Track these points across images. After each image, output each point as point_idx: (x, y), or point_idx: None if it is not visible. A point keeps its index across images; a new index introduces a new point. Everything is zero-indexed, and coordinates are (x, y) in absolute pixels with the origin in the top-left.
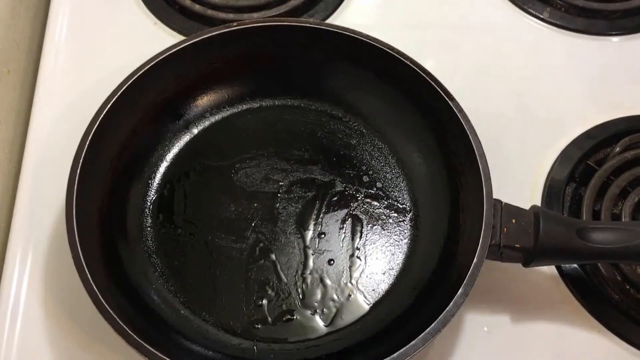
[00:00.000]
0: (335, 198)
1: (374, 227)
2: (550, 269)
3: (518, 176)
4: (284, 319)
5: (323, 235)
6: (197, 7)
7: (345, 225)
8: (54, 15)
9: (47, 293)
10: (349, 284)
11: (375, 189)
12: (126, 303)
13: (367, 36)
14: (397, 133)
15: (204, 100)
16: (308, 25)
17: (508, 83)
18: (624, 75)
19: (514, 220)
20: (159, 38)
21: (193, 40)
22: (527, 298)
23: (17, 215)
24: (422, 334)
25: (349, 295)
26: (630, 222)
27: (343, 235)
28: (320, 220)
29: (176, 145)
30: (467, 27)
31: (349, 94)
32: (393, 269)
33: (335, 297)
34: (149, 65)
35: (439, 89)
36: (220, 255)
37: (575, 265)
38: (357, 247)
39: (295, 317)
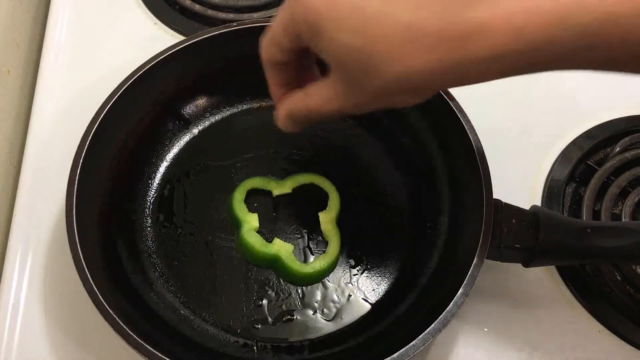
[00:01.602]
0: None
1: (374, 227)
2: (550, 269)
3: (518, 176)
4: (284, 319)
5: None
6: (197, 7)
7: (345, 225)
8: (54, 15)
9: (47, 293)
10: (349, 284)
11: (375, 188)
12: (126, 303)
13: None
14: (397, 133)
15: (204, 100)
16: None
17: (508, 83)
18: (624, 75)
19: (514, 220)
20: (159, 38)
21: (193, 40)
22: (527, 298)
23: (17, 216)
24: (422, 334)
25: (349, 296)
26: (630, 222)
27: (343, 235)
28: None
29: (176, 145)
30: None
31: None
32: (393, 269)
33: (335, 297)
34: (149, 65)
35: None
36: (220, 255)
37: (576, 265)
38: (357, 247)
39: (295, 317)
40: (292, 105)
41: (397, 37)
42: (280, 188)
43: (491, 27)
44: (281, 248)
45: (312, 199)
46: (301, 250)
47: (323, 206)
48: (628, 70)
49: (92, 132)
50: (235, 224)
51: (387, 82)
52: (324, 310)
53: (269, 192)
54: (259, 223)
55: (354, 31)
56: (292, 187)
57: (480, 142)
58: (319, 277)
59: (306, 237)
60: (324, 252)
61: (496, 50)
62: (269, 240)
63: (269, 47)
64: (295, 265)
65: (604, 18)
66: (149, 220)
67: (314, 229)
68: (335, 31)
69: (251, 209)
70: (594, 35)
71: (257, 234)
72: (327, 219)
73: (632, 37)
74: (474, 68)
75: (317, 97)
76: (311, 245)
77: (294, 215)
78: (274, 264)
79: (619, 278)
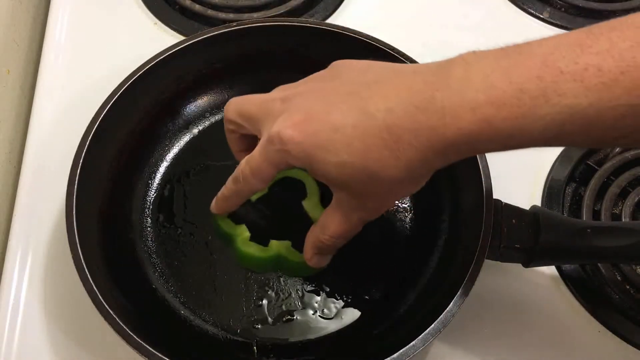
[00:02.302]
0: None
1: (374, 227)
2: (550, 269)
3: (518, 176)
4: (284, 319)
5: None
6: (197, 7)
7: None
8: (54, 15)
9: (47, 293)
10: (349, 284)
11: None
12: (126, 303)
13: (367, 36)
14: None
15: (204, 100)
16: (308, 25)
17: None
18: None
19: (514, 220)
20: (159, 38)
21: (193, 40)
22: (527, 298)
23: (17, 216)
24: (422, 334)
25: (349, 296)
26: (630, 222)
27: None
28: None
29: (176, 145)
30: (467, 27)
31: None
32: (393, 269)
33: (335, 297)
34: (149, 65)
35: None
36: (220, 255)
37: (576, 265)
38: (357, 246)
39: (295, 317)
40: (314, 242)
41: (382, 142)
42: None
43: (460, 116)
44: (280, 247)
45: (291, 192)
46: (298, 243)
47: (303, 195)
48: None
49: (92, 132)
50: (227, 242)
51: (389, 183)
52: (324, 310)
53: (248, 200)
54: (250, 232)
55: (341, 150)
56: (266, 186)
57: None
58: None
59: (298, 228)
60: None
61: (470, 136)
62: (265, 244)
63: (252, 181)
64: (299, 257)
65: (566, 112)
66: (149, 220)
67: (303, 219)
68: (325, 156)
69: (237, 222)
70: (558, 126)
71: (252, 242)
72: (311, 205)
73: (595, 127)
74: (456, 150)
75: (334, 223)
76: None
77: (280, 213)
78: (279, 264)
79: (619, 278)
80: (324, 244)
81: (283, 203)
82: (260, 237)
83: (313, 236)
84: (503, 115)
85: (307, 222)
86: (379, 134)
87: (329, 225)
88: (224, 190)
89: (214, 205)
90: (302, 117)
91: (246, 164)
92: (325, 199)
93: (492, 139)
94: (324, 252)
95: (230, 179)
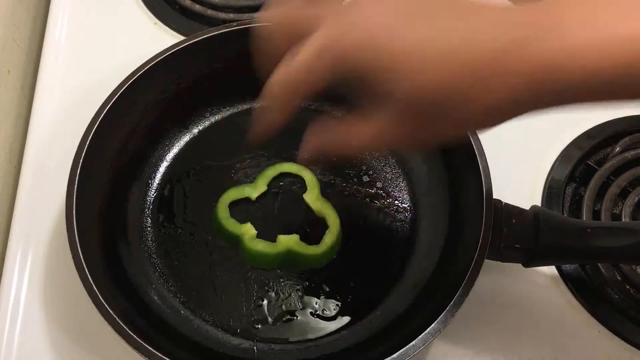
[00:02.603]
0: (336, 198)
1: (374, 227)
2: (550, 269)
3: (518, 176)
4: (284, 319)
5: None
6: (197, 7)
7: (345, 225)
8: (54, 15)
9: (47, 293)
10: (349, 284)
11: (375, 188)
12: (126, 303)
13: None
14: None
15: (204, 100)
16: None
17: None
18: None
19: (514, 220)
20: (159, 38)
21: (193, 40)
22: (527, 298)
23: (17, 215)
24: (422, 334)
25: (349, 295)
26: (630, 222)
27: (343, 237)
28: None
29: (176, 145)
30: None
31: (349, 94)
32: (393, 269)
33: (335, 297)
34: (149, 66)
35: None
36: (220, 255)
37: (576, 265)
38: (357, 247)
39: (295, 317)
40: (329, 142)
41: (479, 73)
42: (256, 190)
43: (563, 63)
44: (288, 241)
45: (290, 187)
46: (305, 236)
47: (302, 188)
48: None
49: (92, 132)
50: (232, 242)
51: (475, 114)
52: (324, 310)
53: (248, 199)
54: (260, 222)
55: (432, 69)
56: (265, 184)
57: (480, 141)
58: (334, 250)
59: (303, 221)
60: (326, 227)
61: (574, 81)
62: (271, 241)
63: (299, 78)
64: (309, 250)
65: None
66: (149, 220)
67: (306, 212)
68: (415, 69)
69: (251, 209)
70: None
71: (259, 239)
72: (313, 198)
73: None
74: (552, 98)
75: (366, 137)
76: (312, 227)
77: (282, 209)
78: (289, 259)
79: (619, 278)
80: (334, 146)
81: (284, 199)
82: (265, 234)
83: (331, 134)
84: (611, 62)
85: (310, 216)
86: (477, 64)
87: (358, 135)
88: (259, 109)
89: (254, 130)
90: (392, 16)
91: (289, 64)
92: (323, 191)
93: (596, 88)
94: (326, 152)
95: (265, 92)
